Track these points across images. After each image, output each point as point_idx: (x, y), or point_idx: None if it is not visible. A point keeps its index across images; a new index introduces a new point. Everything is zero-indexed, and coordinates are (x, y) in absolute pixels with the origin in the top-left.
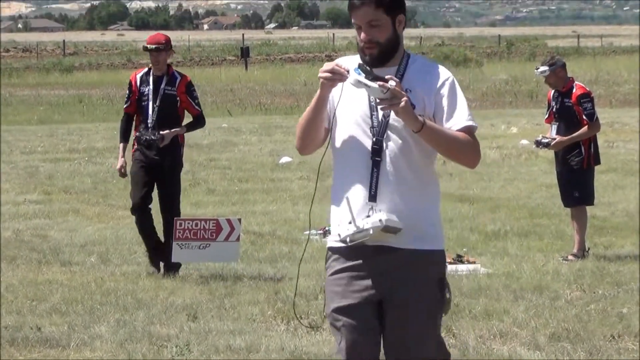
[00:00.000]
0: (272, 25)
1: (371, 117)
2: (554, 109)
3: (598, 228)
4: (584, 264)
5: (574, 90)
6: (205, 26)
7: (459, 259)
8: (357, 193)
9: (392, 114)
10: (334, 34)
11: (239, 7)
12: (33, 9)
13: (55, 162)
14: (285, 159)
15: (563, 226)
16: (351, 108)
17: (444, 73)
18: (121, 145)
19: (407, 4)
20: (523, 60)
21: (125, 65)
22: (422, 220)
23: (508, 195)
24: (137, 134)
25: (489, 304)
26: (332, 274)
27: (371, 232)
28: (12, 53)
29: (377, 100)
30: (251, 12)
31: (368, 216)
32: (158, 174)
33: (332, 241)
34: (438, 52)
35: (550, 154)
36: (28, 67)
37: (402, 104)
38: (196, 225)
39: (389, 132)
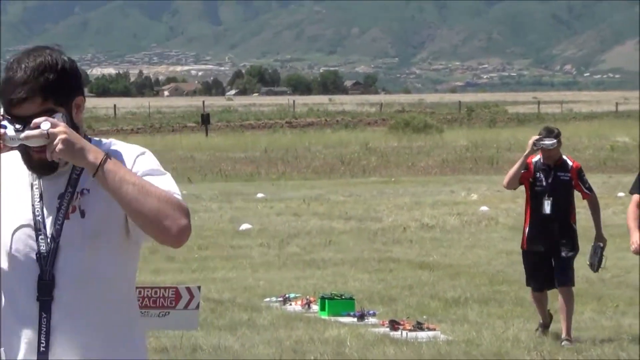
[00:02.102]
0: (233, 91)
1: (37, 239)
2: (543, 184)
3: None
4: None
5: (570, 164)
6: (166, 92)
7: (419, 326)
8: (23, 349)
9: (65, 238)
10: (294, 101)
11: (200, 73)
12: None
13: None
14: (245, 226)
15: (523, 293)
16: (5, 226)
17: (136, 150)
18: None
19: (368, 70)
20: (484, 127)
21: (86, 132)
22: None
23: (468, 262)
24: None
25: None
26: None
27: None
28: None
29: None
30: (212, 78)
31: None
32: None
33: None
34: (398, 118)
35: (511, 220)
36: None
37: (62, 136)
38: (155, 293)
39: (60, 258)
